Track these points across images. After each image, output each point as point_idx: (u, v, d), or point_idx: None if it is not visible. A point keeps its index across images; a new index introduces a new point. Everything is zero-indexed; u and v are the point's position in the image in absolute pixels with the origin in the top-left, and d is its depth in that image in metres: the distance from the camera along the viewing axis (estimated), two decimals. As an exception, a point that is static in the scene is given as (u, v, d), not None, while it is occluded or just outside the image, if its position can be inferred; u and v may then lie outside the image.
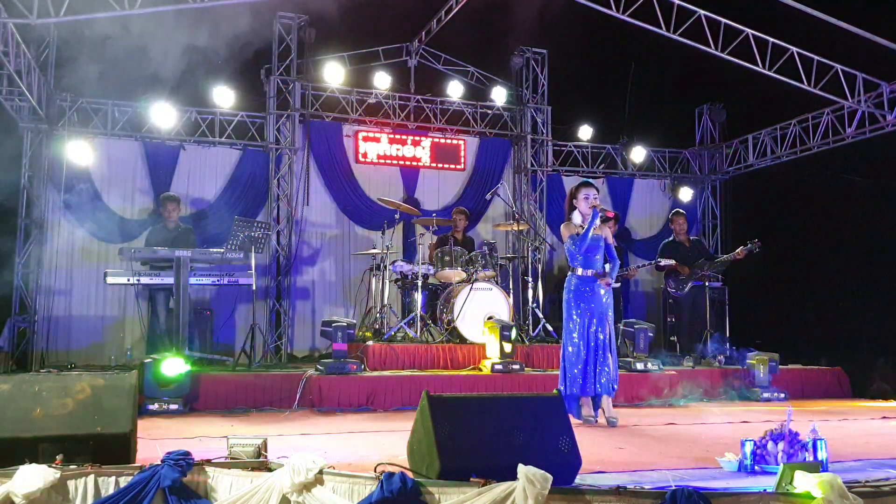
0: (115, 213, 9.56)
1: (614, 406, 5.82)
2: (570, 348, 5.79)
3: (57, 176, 9.19)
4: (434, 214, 9.56)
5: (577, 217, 5.81)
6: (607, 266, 5.85)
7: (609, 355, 5.70)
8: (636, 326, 7.99)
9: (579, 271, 5.80)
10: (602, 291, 5.77)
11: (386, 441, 4.81)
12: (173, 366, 6.31)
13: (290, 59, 10.09)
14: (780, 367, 8.12)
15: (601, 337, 5.70)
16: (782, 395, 7.84)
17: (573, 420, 5.60)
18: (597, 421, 5.62)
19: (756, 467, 3.76)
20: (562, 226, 5.94)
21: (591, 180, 5.96)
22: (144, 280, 7.57)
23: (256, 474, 3.29)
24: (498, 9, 10.20)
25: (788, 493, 2.89)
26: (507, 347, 7.43)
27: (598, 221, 5.66)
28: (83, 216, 9.40)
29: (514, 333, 7.51)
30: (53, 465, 3.16)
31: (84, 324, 9.30)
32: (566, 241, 5.87)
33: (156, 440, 4.46)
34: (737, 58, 8.47)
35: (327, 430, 5.42)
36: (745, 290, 10.38)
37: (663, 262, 9.23)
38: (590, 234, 5.65)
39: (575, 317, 5.79)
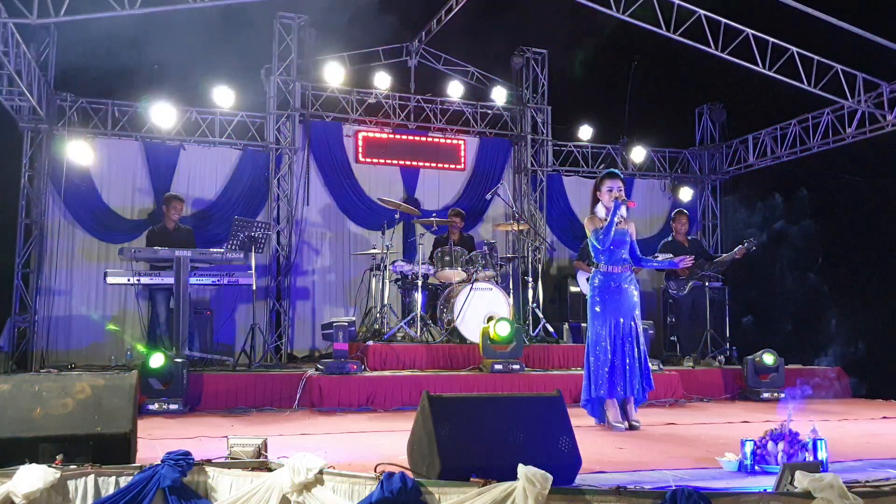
0: (115, 213, 9.56)
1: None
2: (595, 349, 5.48)
3: (57, 176, 9.19)
4: (434, 214, 9.56)
5: (600, 210, 5.52)
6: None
7: (639, 356, 5.44)
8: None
9: (604, 267, 5.51)
10: (630, 288, 5.50)
11: (386, 441, 4.81)
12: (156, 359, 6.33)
13: (290, 59, 10.08)
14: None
15: (630, 337, 5.44)
16: (782, 395, 7.83)
17: (596, 424, 5.54)
18: (625, 428, 5.37)
19: (756, 467, 3.76)
20: (585, 220, 5.67)
21: (615, 171, 5.57)
22: (144, 280, 7.58)
23: (256, 474, 3.29)
24: (498, 9, 10.20)
25: (788, 493, 2.89)
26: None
27: (622, 214, 5.42)
28: (83, 216, 9.40)
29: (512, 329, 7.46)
30: (53, 465, 3.16)
31: (84, 324, 9.30)
32: (589, 235, 5.55)
33: (156, 440, 4.46)
34: (737, 58, 8.48)
35: (327, 430, 5.42)
36: (745, 289, 10.39)
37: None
38: (613, 228, 5.38)
39: (601, 315, 5.47)
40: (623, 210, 5.48)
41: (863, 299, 9.16)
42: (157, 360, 6.27)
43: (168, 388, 6.29)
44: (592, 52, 10.23)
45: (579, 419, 5.48)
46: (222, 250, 7.54)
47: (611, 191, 5.47)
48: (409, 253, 10.18)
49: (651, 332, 8.10)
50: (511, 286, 9.00)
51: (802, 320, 9.80)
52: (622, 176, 5.60)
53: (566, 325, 9.20)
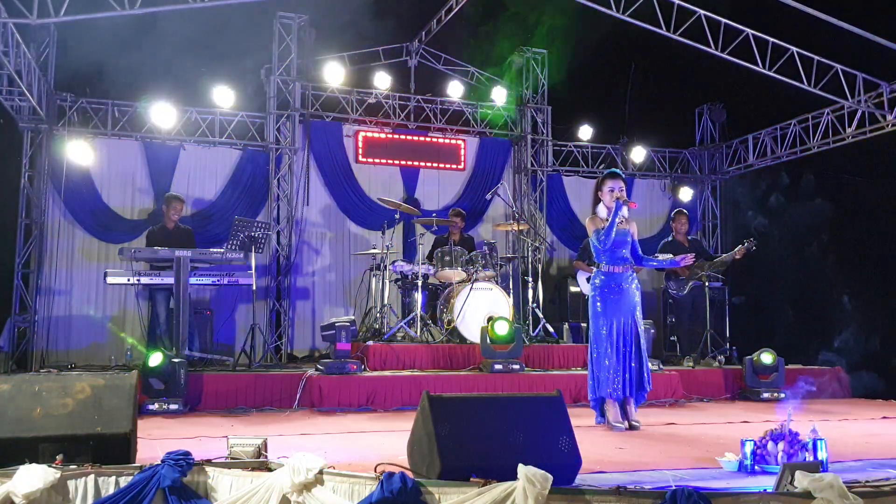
0: (115, 213, 9.56)
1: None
2: (596, 348, 5.49)
3: (57, 176, 9.19)
4: (434, 214, 9.56)
5: (601, 211, 5.52)
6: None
7: (639, 356, 5.44)
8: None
9: (605, 267, 5.50)
10: (631, 288, 5.49)
11: (386, 441, 4.81)
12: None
13: (290, 59, 10.08)
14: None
15: (630, 337, 5.44)
16: (782, 395, 7.83)
17: (596, 424, 5.53)
18: (625, 428, 5.37)
19: (756, 467, 3.76)
20: (587, 220, 5.70)
21: (617, 171, 5.56)
22: (144, 280, 7.58)
23: (256, 474, 3.29)
24: (498, 9, 10.21)
25: (788, 493, 2.89)
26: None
27: (623, 214, 5.42)
28: (83, 216, 9.41)
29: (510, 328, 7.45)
30: (53, 465, 3.16)
31: (84, 324, 9.30)
32: (591, 236, 5.57)
33: (156, 440, 4.46)
34: (737, 58, 8.47)
35: (327, 430, 5.42)
36: (745, 290, 10.40)
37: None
38: (614, 228, 5.38)
39: (602, 316, 5.47)
40: (625, 210, 5.48)
41: (863, 299, 9.16)
42: (154, 360, 6.28)
43: (166, 388, 6.29)
44: (592, 52, 10.22)
45: (579, 419, 5.47)
46: (222, 250, 7.54)
47: (612, 191, 5.47)
48: (409, 253, 10.18)
49: (652, 331, 8.10)
50: (511, 286, 9.00)
51: (802, 320, 9.81)
52: (624, 176, 5.60)
53: (566, 325, 9.20)
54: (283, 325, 9.87)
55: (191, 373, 6.60)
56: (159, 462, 3.22)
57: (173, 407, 6.26)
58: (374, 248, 8.83)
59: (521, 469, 2.85)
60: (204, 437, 4.86)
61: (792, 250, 10.05)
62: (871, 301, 9.05)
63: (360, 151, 10.68)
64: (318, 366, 7.23)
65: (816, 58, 8.62)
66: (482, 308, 7.94)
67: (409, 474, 3.07)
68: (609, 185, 5.50)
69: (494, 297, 8.06)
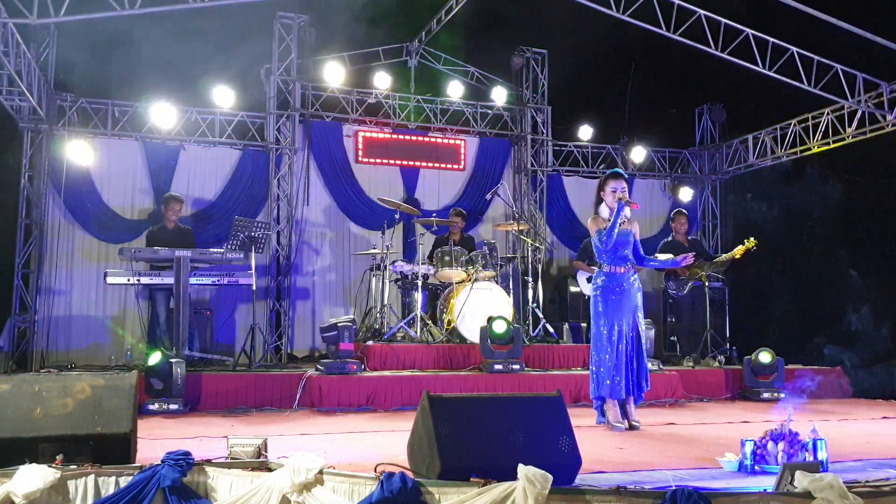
0: (115, 213, 9.56)
1: None
2: (598, 349, 5.51)
3: (57, 176, 9.19)
4: (434, 214, 9.56)
5: (604, 211, 5.54)
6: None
7: (639, 356, 5.46)
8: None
9: (606, 267, 5.53)
10: (633, 288, 5.52)
11: (386, 441, 4.81)
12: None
13: (290, 59, 10.08)
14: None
15: (630, 337, 5.46)
16: (782, 395, 7.83)
17: (596, 424, 5.55)
18: (625, 427, 5.39)
19: (756, 467, 3.76)
20: (589, 220, 5.73)
21: (620, 171, 5.57)
22: (144, 280, 7.58)
23: (256, 474, 3.29)
24: (498, 9, 10.21)
25: (788, 493, 2.89)
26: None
27: (625, 214, 5.44)
28: (83, 216, 9.41)
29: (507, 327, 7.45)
30: (53, 465, 3.16)
31: (84, 324, 9.30)
32: (593, 236, 5.59)
33: (156, 440, 4.46)
34: (737, 58, 8.47)
35: (327, 430, 5.42)
36: (745, 290, 10.39)
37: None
38: (616, 229, 5.40)
39: (603, 316, 5.49)
40: (627, 210, 5.50)
41: (863, 298, 9.16)
42: (154, 360, 6.28)
43: (166, 388, 6.29)
44: (592, 52, 10.21)
45: (579, 419, 5.47)
46: (222, 250, 7.55)
47: (614, 191, 5.48)
48: (409, 253, 10.18)
49: (652, 331, 8.10)
50: (511, 286, 9.00)
51: (802, 320, 9.81)
52: (626, 177, 5.60)
53: (566, 325, 9.20)
54: (283, 325, 9.87)
55: (191, 373, 6.60)
56: (159, 462, 3.22)
57: (173, 407, 6.26)
58: (375, 248, 8.83)
59: (521, 469, 2.85)
60: (204, 437, 4.86)
61: (793, 250, 10.05)
62: (875, 299, 9.04)
63: (360, 151, 10.67)
64: (318, 366, 7.23)
65: (816, 58, 8.61)
66: (482, 308, 7.93)
67: (409, 474, 3.07)
68: (611, 185, 5.50)
69: (494, 297, 8.06)
